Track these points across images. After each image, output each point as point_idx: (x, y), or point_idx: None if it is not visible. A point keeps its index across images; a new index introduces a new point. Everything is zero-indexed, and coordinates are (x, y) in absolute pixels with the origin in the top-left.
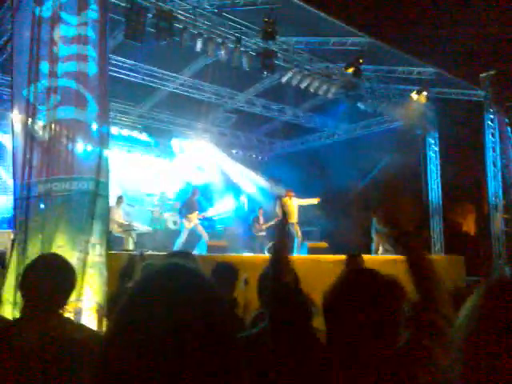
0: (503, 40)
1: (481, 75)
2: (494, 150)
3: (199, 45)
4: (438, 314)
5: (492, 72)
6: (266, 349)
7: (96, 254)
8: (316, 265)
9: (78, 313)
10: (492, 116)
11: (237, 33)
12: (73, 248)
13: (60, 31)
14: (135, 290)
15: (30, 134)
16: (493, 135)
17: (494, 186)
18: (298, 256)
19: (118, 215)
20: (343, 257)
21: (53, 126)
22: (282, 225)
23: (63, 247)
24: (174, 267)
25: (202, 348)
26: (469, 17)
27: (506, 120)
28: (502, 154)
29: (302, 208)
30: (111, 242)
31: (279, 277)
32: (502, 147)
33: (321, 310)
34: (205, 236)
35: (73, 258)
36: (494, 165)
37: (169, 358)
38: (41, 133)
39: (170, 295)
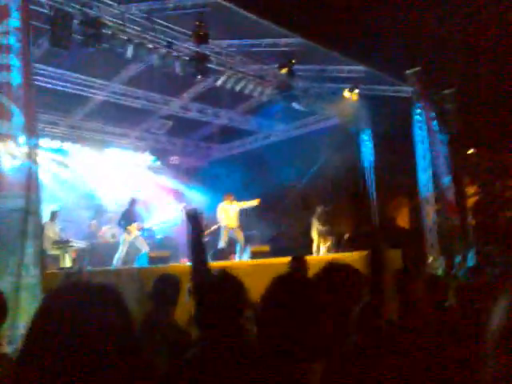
0: (427, 37)
1: (407, 72)
2: (422, 143)
3: (130, 51)
4: (384, 320)
5: (417, 68)
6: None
7: (29, 276)
8: (260, 270)
9: (13, 340)
10: (419, 110)
11: (168, 37)
12: (3, 271)
13: None
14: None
15: None
16: (421, 129)
17: (423, 178)
18: (241, 262)
19: (53, 232)
20: (287, 259)
21: None
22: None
23: None
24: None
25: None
26: (395, 15)
27: (432, 114)
28: (430, 148)
29: (242, 212)
30: (46, 260)
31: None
32: (430, 140)
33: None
34: (145, 248)
35: (3, 281)
36: (424, 158)
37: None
38: None
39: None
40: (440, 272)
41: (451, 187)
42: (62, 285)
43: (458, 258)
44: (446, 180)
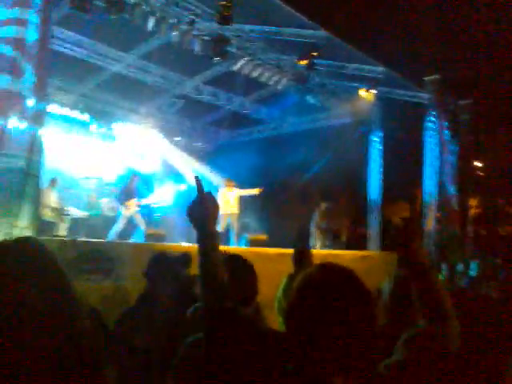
0: (449, 46)
1: (426, 78)
2: (432, 151)
3: (151, 23)
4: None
5: (436, 76)
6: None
7: None
8: (259, 259)
9: None
10: (433, 118)
11: (191, 15)
12: None
13: None
14: None
15: None
16: (432, 136)
17: (429, 186)
18: (240, 249)
19: (51, 198)
20: (288, 250)
21: None
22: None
23: None
24: None
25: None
26: (422, 21)
27: (445, 123)
28: (439, 156)
29: (241, 199)
30: (42, 226)
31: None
32: (439, 149)
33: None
34: (142, 224)
35: None
36: (431, 165)
37: None
38: None
39: None
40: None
41: (456, 197)
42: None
43: (460, 267)
44: (452, 189)
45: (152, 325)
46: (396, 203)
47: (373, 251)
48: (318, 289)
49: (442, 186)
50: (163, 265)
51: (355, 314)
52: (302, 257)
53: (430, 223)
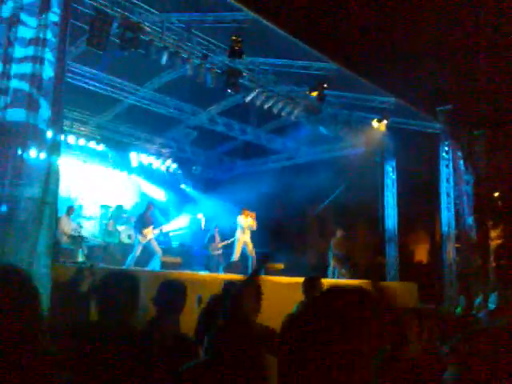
0: (461, 77)
1: (438, 109)
2: (448, 181)
3: (165, 58)
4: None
5: (448, 106)
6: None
7: (41, 265)
8: (272, 287)
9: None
10: (447, 148)
11: (204, 49)
12: (14, 256)
13: (18, 32)
14: None
15: None
16: (447, 166)
17: (446, 216)
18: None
19: (68, 226)
20: (301, 279)
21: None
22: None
23: (4, 255)
24: None
25: None
26: (433, 53)
27: (459, 153)
28: (455, 186)
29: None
30: (59, 252)
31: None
32: (455, 179)
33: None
34: (159, 252)
35: None
36: (448, 195)
37: None
38: None
39: None
40: (459, 311)
41: (474, 227)
42: None
43: (479, 299)
44: (470, 220)
45: (158, 351)
46: (414, 233)
47: (391, 281)
48: (308, 318)
49: (459, 217)
50: (170, 292)
51: (341, 349)
52: (311, 285)
53: (449, 254)
